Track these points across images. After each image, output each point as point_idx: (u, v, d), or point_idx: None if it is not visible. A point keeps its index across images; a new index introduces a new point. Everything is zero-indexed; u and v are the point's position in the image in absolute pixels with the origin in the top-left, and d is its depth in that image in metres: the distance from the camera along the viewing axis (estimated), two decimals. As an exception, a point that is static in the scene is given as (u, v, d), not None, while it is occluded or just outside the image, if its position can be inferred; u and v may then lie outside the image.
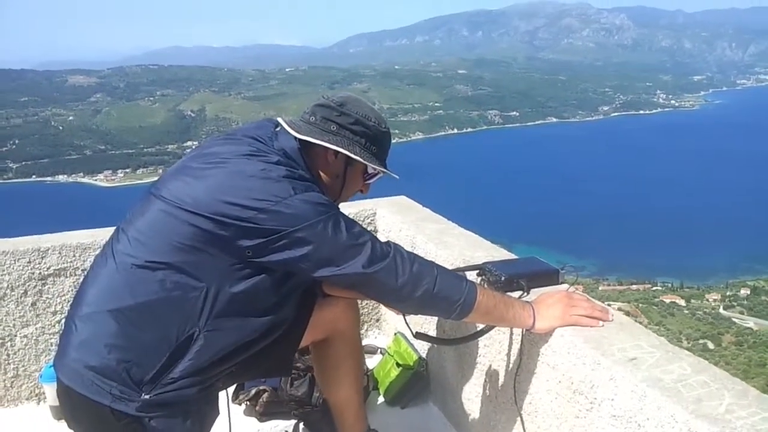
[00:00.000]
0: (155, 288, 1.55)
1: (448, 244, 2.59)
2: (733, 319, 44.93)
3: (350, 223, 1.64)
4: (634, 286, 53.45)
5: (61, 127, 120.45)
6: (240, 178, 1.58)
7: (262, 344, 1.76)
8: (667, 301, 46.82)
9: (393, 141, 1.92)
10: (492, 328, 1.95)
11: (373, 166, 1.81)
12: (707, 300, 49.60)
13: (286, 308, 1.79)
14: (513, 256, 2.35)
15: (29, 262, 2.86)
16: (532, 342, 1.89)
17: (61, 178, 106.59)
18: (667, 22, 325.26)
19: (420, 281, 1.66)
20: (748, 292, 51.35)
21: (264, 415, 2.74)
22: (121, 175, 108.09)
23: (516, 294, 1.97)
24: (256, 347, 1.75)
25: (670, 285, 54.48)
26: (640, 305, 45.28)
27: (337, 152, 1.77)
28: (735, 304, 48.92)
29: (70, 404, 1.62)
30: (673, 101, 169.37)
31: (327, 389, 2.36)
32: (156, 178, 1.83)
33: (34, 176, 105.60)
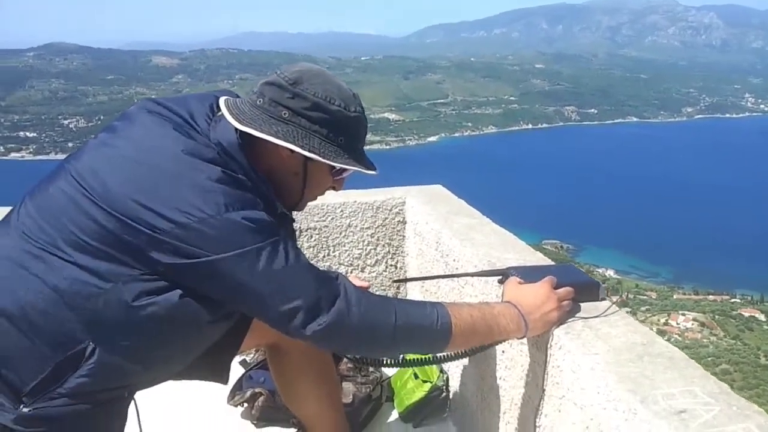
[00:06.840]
0: (44, 284, 1.23)
1: (475, 241, 2.21)
2: (817, 338, 42.46)
3: (291, 257, 1.28)
4: (711, 297, 51.08)
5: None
6: (160, 175, 1.24)
7: (181, 363, 1.46)
8: (746, 314, 44.48)
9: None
10: (483, 348, 1.57)
11: (334, 164, 1.39)
12: (789, 316, 47.01)
13: (214, 330, 1.44)
14: (548, 261, 1.96)
15: None
16: (557, 373, 1.52)
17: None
18: (760, 22, 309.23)
19: (374, 332, 1.34)
20: (836, 310, 48.36)
21: (260, 421, 2.46)
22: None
23: None
24: (174, 366, 1.45)
25: (749, 298, 51.82)
26: (717, 317, 43.25)
27: None
28: (819, 321, 46.18)
29: None
30: (762, 105, 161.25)
31: (290, 404, 2.00)
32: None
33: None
